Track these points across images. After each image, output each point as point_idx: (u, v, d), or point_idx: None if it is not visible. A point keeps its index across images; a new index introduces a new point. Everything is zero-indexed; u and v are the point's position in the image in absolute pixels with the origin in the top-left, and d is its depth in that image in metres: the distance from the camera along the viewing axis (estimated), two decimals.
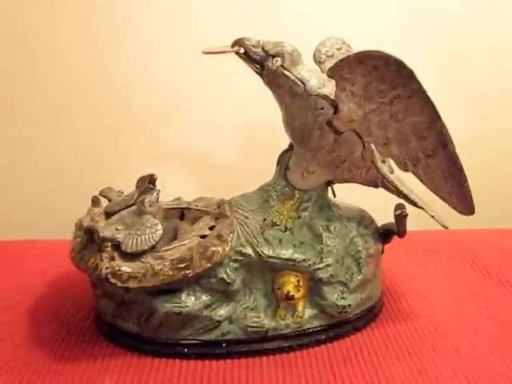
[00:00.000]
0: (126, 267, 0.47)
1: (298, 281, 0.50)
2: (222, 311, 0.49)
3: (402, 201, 0.53)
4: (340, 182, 0.52)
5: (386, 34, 0.78)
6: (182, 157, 0.84)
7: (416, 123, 0.45)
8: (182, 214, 0.59)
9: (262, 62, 0.47)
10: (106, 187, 0.58)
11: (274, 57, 0.46)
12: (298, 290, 0.50)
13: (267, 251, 0.49)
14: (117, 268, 0.46)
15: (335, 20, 0.78)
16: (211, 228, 0.50)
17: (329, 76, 0.46)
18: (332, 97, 0.46)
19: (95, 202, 0.55)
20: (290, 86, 0.47)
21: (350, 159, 0.49)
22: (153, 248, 0.48)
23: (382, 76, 0.43)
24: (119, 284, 0.46)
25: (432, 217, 0.52)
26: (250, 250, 0.49)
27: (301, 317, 0.50)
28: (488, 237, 0.77)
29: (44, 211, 0.83)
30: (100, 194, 0.57)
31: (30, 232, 0.79)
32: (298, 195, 0.51)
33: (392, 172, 0.52)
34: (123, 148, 0.83)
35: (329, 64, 0.48)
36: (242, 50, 0.47)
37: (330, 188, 0.53)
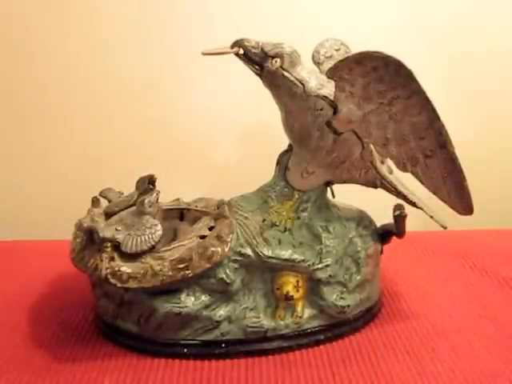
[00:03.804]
0: (126, 268, 0.47)
1: (298, 281, 0.50)
2: (222, 311, 0.49)
3: (400, 201, 0.53)
4: (339, 183, 0.52)
5: (386, 35, 0.78)
6: (181, 157, 0.84)
7: (415, 124, 0.45)
8: (181, 214, 0.59)
9: (262, 62, 0.47)
10: (105, 188, 0.58)
11: (273, 58, 0.46)
12: (298, 291, 0.50)
13: (266, 251, 0.49)
14: (116, 268, 0.47)
15: (335, 21, 0.78)
16: (211, 228, 0.50)
17: (328, 77, 0.46)
18: (331, 97, 0.46)
19: (95, 202, 0.55)
20: (289, 86, 0.47)
21: (349, 160, 0.49)
22: (152, 248, 0.48)
23: (381, 77, 0.43)
24: (119, 284, 0.46)
25: (431, 217, 0.52)
26: (249, 251, 0.49)
27: (300, 317, 0.51)
28: (487, 237, 0.77)
29: (44, 211, 0.83)
30: (100, 194, 0.57)
31: (30, 232, 0.80)
32: (297, 196, 0.51)
33: (391, 172, 0.52)
34: (123, 149, 0.83)
35: (327, 65, 0.48)
36: (241, 51, 0.47)
37: (329, 188, 0.53)
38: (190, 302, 0.48)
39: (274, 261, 0.49)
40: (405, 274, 0.65)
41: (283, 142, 0.51)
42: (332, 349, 0.50)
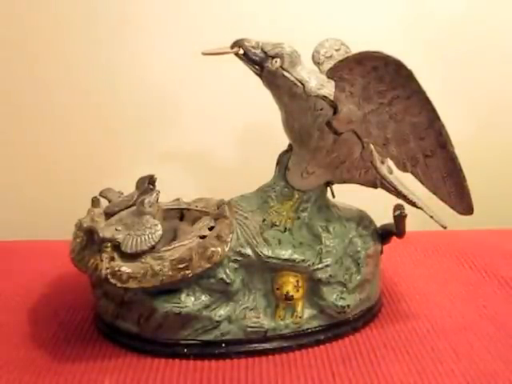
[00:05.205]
0: (126, 268, 0.47)
1: (298, 281, 0.50)
2: (222, 311, 0.49)
3: (400, 201, 0.53)
4: (339, 183, 0.52)
5: (386, 35, 0.78)
6: (181, 158, 0.84)
7: (415, 124, 0.45)
8: (181, 214, 0.59)
9: (262, 62, 0.47)
10: (105, 188, 0.58)
11: (273, 58, 0.46)
12: (298, 291, 0.50)
13: (266, 251, 0.49)
14: (117, 268, 0.47)
15: (335, 21, 0.78)
16: (211, 228, 0.50)
17: (328, 77, 0.46)
18: (331, 97, 0.46)
19: (95, 202, 0.55)
20: (289, 86, 0.47)
21: (349, 160, 0.49)
22: (152, 248, 0.48)
23: (381, 77, 0.43)
24: (119, 284, 0.46)
25: (431, 217, 0.53)
26: (249, 251, 0.49)
27: (300, 317, 0.51)
28: (487, 237, 0.77)
29: (44, 211, 0.83)
30: (100, 194, 0.57)
31: (30, 232, 0.80)
32: (297, 196, 0.51)
33: (391, 172, 0.52)
34: (123, 149, 0.83)
35: (327, 65, 0.48)
36: (241, 51, 0.47)
37: (329, 188, 0.53)
38: (189, 301, 0.48)
39: (274, 261, 0.49)
40: (405, 274, 0.65)
41: (283, 142, 0.51)
42: (332, 349, 0.50)
